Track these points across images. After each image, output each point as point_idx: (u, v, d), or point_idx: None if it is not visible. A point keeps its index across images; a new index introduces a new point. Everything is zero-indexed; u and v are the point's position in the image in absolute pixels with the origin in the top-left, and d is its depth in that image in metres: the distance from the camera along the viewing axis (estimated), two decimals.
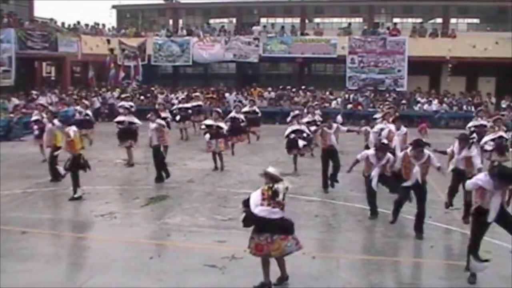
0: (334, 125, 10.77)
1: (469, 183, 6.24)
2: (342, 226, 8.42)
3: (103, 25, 30.30)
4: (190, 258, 6.82)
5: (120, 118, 13.52)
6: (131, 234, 7.81)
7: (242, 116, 14.87)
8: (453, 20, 29.59)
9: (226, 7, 32.82)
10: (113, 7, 34.85)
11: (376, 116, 13.62)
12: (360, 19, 30.90)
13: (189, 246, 7.31)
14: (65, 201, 9.71)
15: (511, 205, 6.36)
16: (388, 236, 7.84)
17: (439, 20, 29.55)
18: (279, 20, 31.65)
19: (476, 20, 30.74)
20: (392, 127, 11.07)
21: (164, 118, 13.55)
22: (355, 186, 10.39)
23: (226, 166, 12.61)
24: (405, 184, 7.72)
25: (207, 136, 12.37)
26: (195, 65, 28.45)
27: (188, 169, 12.65)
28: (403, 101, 22.57)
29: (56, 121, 11.26)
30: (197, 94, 21.05)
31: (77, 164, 9.76)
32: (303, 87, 24.94)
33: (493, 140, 11.26)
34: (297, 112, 14.17)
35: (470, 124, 13.36)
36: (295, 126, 12.35)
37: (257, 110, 17.13)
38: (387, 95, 23.53)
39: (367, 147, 10.89)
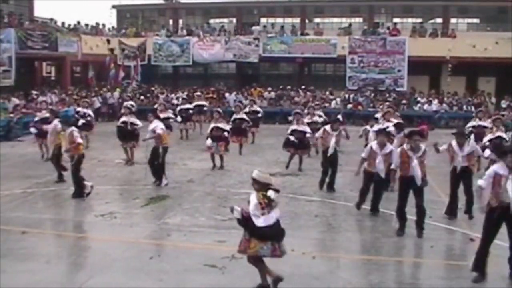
0: (340, 128, 10.64)
1: (481, 180, 6.23)
2: (342, 226, 8.42)
3: (103, 25, 30.34)
4: (190, 258, 6.81)
5: (123, 119, 13.49)
6: (131, 234, 7.81)
7: (245, 116, 14.87)
8: (453, 20, 29.61)
9: (226, 7, 32.83)
10: (113, 7, 34.90)
11: (377, 116, 13.62)
12: (360, 19, 30.92)
13: (189, 246, 7.30)
14: (65, 201, 9.71)
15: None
16: (388, 236, 7.84)
17: (439, 20, 29.58)
18: (279, 20, 31.67)
19: (476, 20, 30.75)
20: (392, 127, 11.05)
21: (166, 119, 13.54)
22: (355, 186, 10.34)
23: (226, 166, 12.64)
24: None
25: (209, 141, 12.44)
26: (195, 65, 28.46)
27: (188, 169, 12.66)
28: (403, 101, 22.57)
29: (56, 121, 11.19)
30: (198, 94, 21.08)
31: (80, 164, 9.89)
32: (303, 87, 24.95)
33: (490, 140, 11.27)
34: (297, 111, 14.14)
35: (468, 125, 13.36)
36: (295, 126, 12.46)
37: (259, 109, 17.13)
38: (387, 95, 23.53)
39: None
